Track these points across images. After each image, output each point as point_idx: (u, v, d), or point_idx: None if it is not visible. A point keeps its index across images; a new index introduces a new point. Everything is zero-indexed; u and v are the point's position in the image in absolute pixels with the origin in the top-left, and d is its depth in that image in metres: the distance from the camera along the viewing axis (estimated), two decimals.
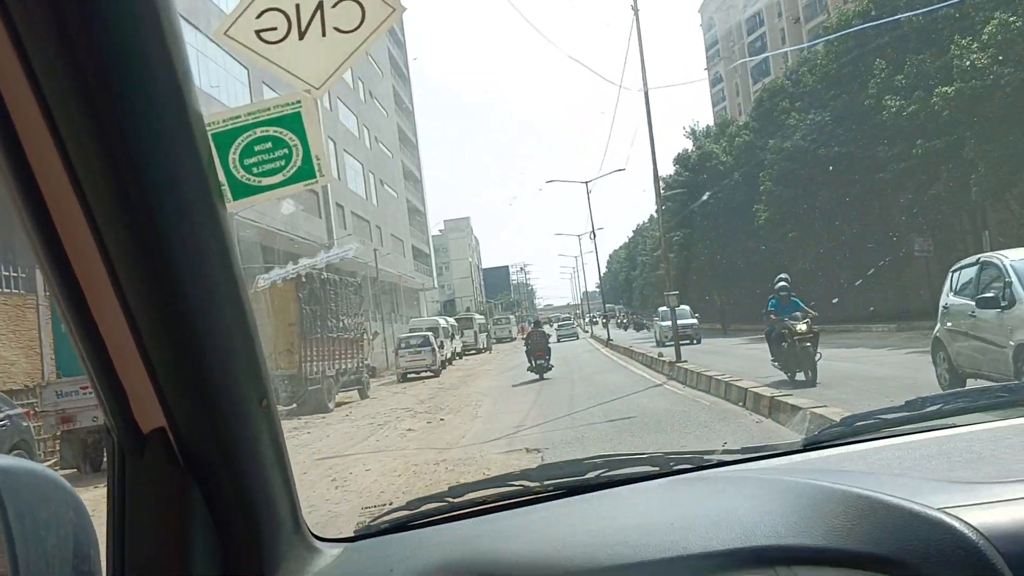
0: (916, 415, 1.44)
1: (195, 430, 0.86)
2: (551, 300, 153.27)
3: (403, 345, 29.26)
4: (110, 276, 0.78)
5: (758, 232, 33.15)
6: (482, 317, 55.82)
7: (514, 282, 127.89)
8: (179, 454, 0.86)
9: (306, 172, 0.83)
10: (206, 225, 0.80)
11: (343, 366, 19.98)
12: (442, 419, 13.16)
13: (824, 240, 28.73)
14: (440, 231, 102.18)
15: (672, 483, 1.32)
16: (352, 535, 1.23)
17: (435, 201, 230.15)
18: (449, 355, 36.74)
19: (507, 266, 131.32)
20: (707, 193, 34.47)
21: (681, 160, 42.82)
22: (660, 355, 18.45)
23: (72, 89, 0.71)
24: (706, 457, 1.40)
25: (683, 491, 1.28)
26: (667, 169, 51.15)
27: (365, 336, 22.34)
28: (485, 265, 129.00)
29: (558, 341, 50.28)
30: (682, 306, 26.38)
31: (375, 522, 1.28)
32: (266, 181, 0.82)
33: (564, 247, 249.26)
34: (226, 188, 0.82)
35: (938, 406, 1.46)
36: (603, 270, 56.16)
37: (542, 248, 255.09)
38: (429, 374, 28.35)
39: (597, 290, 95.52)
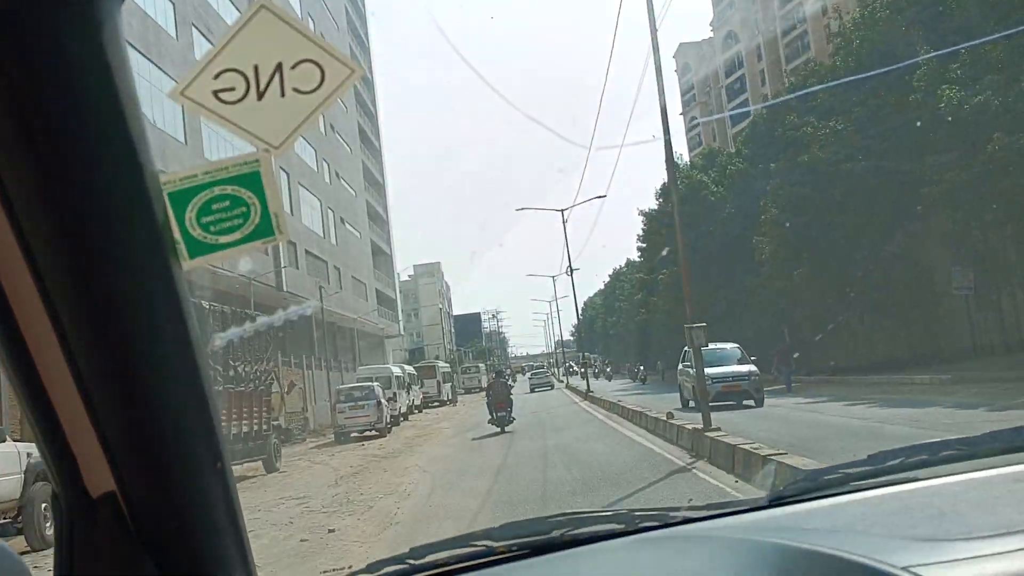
0: (879, 469, 1.45)
1: (147, 495, 0.83)
2: (525, 348, 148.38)
3: (342, 398, 24.78)
4: (59, 338, 0.77)
5: (760, 268, 28.82)
6: (447, 365, 50.84)
7: (486, 329, 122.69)
8: (130, 520, 0.83)
9: (264, 230, 0.84)
10: (160, 285, 0.80)
11: (236, 430, 14.80)
12: (332, 529, 8.04)
13: (842, 275, 24.33)
14: (409, 276, 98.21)
15: (638, 542, 1.34)
16: None
17: (404, 243, 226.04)
18: (404, 409, 32.11)
19: (479, 312, 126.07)
20: (695, 228, 30.23)
21: (667, 192, 38.57)
22: (669, 416, 13.45)
23: (22, 156, 0.71)
24: (672, 514, 1.42)
25: (648, 551, 1.31)
26: (650, 203, 47.31)
27: (275, 389, 17.14)
28: (456, 311, 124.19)
29: (532, 391, 46.07)
30: (726, 345, 18.24)
31: None
32: (224, 239, 0.83)
33: (538, 291, 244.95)
34: (182, 247, 0.82)
35: (900, 460, 1.45)
36: (579, 316, 51.73)
37: (516, 292, 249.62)
38: (374, 433, 24.00)
39: (572, 338, 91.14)
